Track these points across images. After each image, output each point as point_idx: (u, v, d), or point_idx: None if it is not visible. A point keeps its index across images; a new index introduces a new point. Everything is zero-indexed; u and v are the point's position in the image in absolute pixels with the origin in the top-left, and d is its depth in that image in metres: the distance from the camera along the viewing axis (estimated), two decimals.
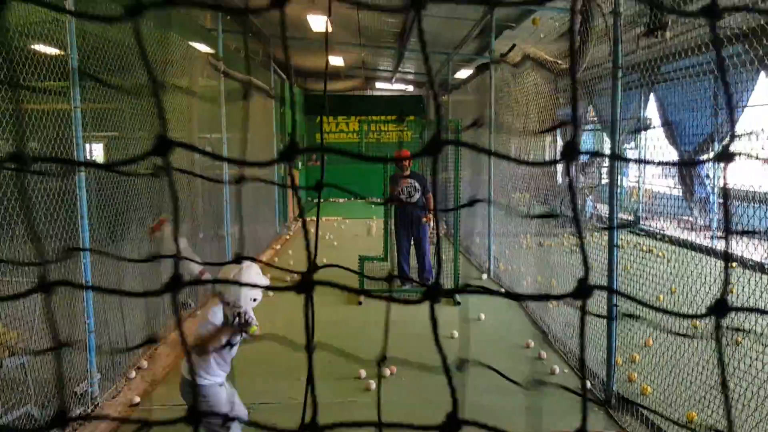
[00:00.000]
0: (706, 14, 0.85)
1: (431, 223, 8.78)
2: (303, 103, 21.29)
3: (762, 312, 1.03)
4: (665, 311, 0.89)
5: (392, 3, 8.72)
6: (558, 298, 0.90)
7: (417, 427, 0.74)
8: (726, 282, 0.90)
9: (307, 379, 0.83)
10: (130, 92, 5.68)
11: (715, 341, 0.88)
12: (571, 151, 0.78)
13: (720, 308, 0.85)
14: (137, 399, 5.05)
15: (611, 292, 4.71)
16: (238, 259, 0.96)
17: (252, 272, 3.36)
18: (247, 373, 5.17)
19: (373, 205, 17.56)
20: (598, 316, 5.15)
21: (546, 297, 0.92)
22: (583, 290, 0.80)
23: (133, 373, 5.45)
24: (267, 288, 1.02)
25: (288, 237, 13.80)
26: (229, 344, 3.40)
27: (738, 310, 0.94)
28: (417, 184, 8.63)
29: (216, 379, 3.46)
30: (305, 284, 0.83)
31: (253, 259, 1.39)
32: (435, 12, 9.38)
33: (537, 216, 8.82)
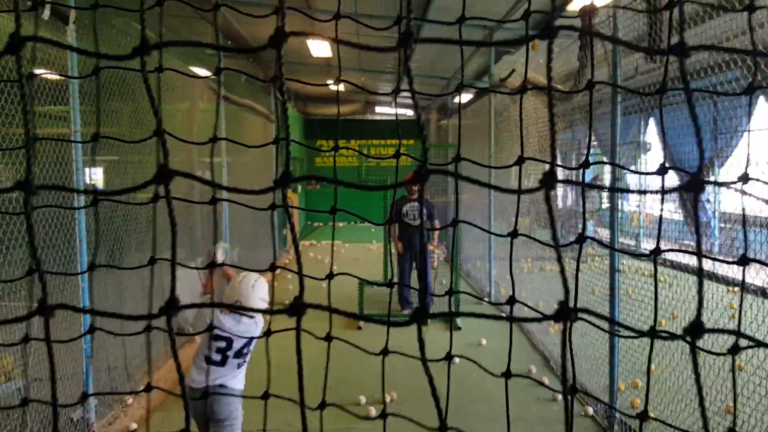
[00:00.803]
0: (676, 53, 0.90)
1: (436, 251, 8.73)
2: (303, 126, 21.40)
3: (738, 334, 1.01)
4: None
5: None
6: (541, 320, 0.92)
7: None
8: (700, 303, 0.91)
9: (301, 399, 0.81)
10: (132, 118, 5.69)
11: (692, 361, 0.88)
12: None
13: (695, 330, 0.87)
14: (134, 425, 4.98)
15: (612, 322, 4.68)
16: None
17: (264, 284, 3.77)
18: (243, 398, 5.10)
19: (372, 229, 17.49)
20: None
21: (538, 318, 0.93)
22: (563, 313, 0.85)
23: (130, 400, 5.39)
24: (261, 311, 1.02)
25: (287, 261, 13.76)
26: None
27: (712, 332, 0.93)
28: (423, 208, 8.62)
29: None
30: (296, 307, 0.84)
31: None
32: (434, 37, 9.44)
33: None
